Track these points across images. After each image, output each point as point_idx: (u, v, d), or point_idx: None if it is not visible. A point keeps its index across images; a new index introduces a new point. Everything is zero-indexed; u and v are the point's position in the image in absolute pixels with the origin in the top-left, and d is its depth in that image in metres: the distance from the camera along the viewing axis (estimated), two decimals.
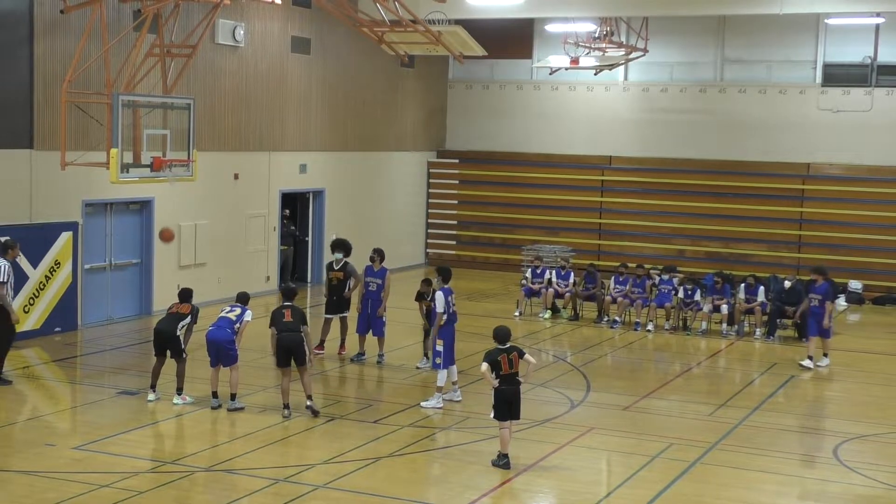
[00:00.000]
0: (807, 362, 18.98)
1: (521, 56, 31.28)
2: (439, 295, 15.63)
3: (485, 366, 12.63)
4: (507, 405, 12.71)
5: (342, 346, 18.60)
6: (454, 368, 15.89)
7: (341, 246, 18.41)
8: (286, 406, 14.66)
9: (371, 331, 18.20)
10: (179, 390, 15.07)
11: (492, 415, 12.88)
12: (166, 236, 18.32)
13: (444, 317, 15.52)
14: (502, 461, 12.69)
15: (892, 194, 27.62)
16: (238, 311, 15.15)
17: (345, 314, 18.50)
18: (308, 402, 14.75)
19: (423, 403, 15.46)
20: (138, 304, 21.84)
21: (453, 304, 15.85)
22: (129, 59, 18.56)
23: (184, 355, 15.05)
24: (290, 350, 14.58)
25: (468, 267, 30.59)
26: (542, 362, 18.79)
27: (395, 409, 15.24)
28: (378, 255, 18.31)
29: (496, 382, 12.63)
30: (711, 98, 29.57)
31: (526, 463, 12.88)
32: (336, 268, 18.34)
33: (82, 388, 16.36)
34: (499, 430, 12.81)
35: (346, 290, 18.35)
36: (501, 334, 12.79)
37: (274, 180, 25.26)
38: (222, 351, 14.87)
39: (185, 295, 15.37)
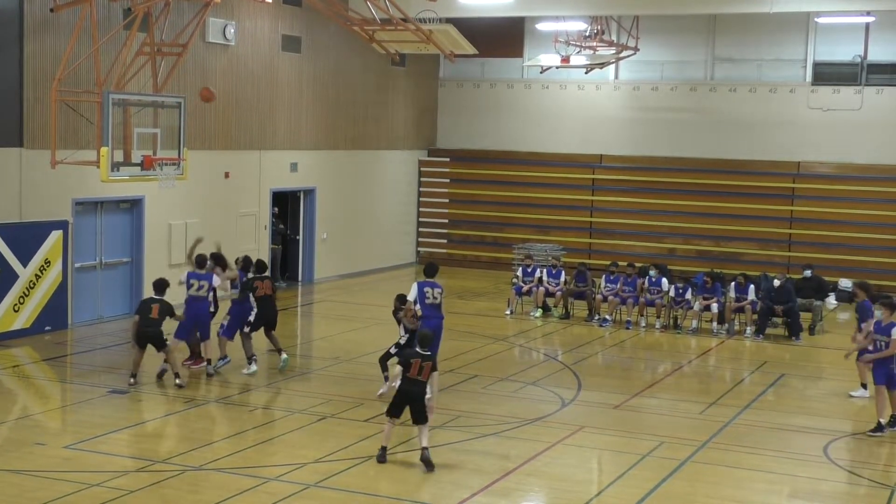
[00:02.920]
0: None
1: (511, 55, 31.30)
2: (413, 286, 15.54)
3: (398, 368, 12.78)
4: (402, 406, 12.75)
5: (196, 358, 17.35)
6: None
7: (212, 259, 17.33)
8: (133, 375, 15.85)
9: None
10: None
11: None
12: (206, 95, 17.97)
13: (418, 307, 15.27)
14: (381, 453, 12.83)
15: (882, 193, 27.71)
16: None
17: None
18: (176, 381, 15.82)
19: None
20: (129, 303, 21.75)
21: (430, 300, 15.51)
22: (119, 58, 18.53)
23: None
24: (149, 340, 15.94)
25: (459, 265, 30.62)
26: (533, 361, 18.75)
27: (385, 407, 15.18)
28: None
29: (397, 383, 12.78)
30: (702, 97, 29.61)
31: (517, 462, 12.90)
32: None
33: (72, 387, 16.32)
34: (386, 425, 12.91)
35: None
36: (427, 338, 13.00)
37: (265, 179, 25.23)
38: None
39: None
